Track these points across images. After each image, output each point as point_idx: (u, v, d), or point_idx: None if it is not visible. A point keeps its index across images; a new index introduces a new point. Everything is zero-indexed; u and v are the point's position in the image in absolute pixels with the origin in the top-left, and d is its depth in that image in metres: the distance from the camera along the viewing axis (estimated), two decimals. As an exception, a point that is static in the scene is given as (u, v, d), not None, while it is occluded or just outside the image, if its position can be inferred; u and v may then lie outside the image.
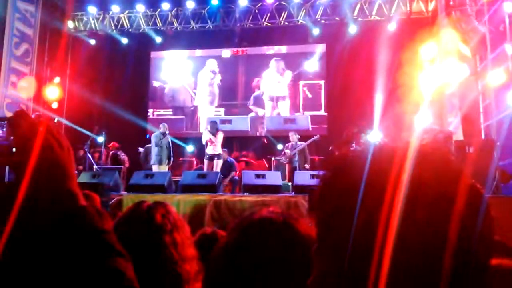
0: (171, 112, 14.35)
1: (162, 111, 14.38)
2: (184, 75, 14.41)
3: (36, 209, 0.76)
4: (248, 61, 14.14)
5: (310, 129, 12.79)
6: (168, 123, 10.95)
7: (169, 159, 10.02)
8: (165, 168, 9.80)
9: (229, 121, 13.47)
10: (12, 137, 0.79)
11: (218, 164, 9.62)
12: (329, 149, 8.62)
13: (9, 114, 10.84)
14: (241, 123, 13.49)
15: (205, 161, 9.83)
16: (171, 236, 1.49)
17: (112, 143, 11.33)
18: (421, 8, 12.13)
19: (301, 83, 13.69)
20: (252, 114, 13.82)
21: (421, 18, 12.04)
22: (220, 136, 9.77)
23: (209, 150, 9.72)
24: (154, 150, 9.87)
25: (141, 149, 11.15)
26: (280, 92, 13.73)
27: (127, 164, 11.19)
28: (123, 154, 11.51)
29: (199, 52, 14.41)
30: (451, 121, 9.54)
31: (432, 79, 9.31)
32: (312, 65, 13.60)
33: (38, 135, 0.77)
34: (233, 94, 14.14)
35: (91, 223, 0.77)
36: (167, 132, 10.18)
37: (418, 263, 0.51)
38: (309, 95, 13.60)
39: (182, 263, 1.46)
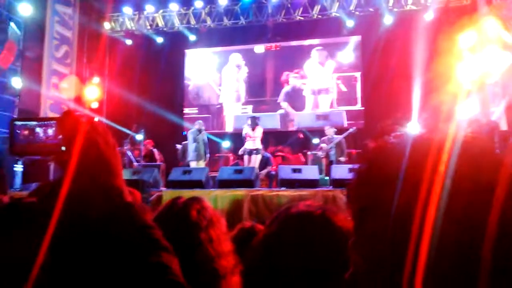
0: (196, 111, 14.12)
1: (187, 110, 14.19)
2: (209, 72, 14.23)
3: (83, 206, 0.79)
4: (277, 55, 13.76)
5: (346, 125, 12.23)
6: (193, 122, 10.96)
7: (205, 155, 10.14)
8: (202, 164, 9.91)
9: (258, 119, 13.35)
10: (60, 136, 0.83)
11: (256, 159, 9.68)
12: (365, 142, 8.47)
13: (52, 115, 11.25)
14: (270, 121, 12.96)
15: (245, 156, 9.90)
16: (206, 233, 1.51)
17: (147, 141, 11.56)
18: (460, -5, 11.73)
19: (335, 76, 13.31)
20: (281, 111, 13.51)
21: (459, 6, 11.65)
22: (259, 131, 9.82)
23: (248, 145, 9.82)
24: (192, 147, 9.99)
25: (179, 146, 11.32)
26: (323, 84, 13.32)
27: (159, 162, 11.38)
28: (157, 151, 11.72)
29: (225, 48, 14.13)
30: (494, 111, 9.22)
31: (472, 69, 9.01)
32: (346, 57, 13.27)
33: (83, 133, 0.80)
34: (262, 90, 13.81)
35: (137, 219, 0.80)
36: (203, 128, 10.29)
37: (456, 256, 0.50)
38: (344, 89, 13.21)
39: (218, 259, 1.47)
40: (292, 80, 13.57)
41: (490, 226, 0.49)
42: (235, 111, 13.88)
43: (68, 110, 0.87)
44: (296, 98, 13.50)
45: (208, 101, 14.19)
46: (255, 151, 9.72)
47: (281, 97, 13.58)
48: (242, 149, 10.09)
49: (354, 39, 13.18)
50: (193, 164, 9.80)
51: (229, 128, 13.68)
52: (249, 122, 10.02)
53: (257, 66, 13.84)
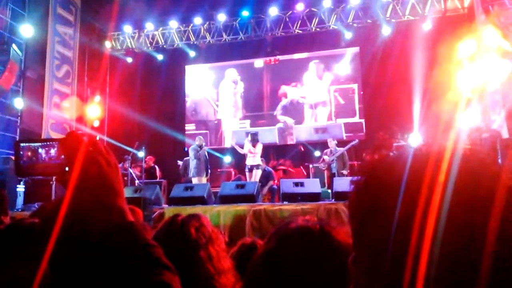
0: (194, 127, 14.17)
1: (185, 126, 14.23)
2: (206, 87, 14.29)
3: (83, 225, 0.79)
4: (274, 69, 13.84)
5: (344, 138, 12.30)
6: (192, 138, 10.97)
7: (206, 171, 10.15)
8: (204, 180, 9.91)
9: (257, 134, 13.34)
10: (63, 156, 0.84)
11: (257, 174, 9.70)
12: (363, 155, 8.50)
13: (53, 134, 11.30)
14: (268, 135, 13.05)
15: (246, 173, 9.90)
16: (205, 251, 1.50)
17: (148, 157, 11.58)
18: (456, 4, 11.83)
19: (332, 88, 13.36)
20: (280, 125, 13.53)
21: (457, 15, 11.75)
22: (259, 147, 9.86)
23: (249, 161, 9.83)
24: (193, 163, 10.01)
25: (180, 162, 11.33)
26: (320, 98, 13.41)
27: (159, 178, 11.39)
28: (158, 168, 11.73)
29: (221, 63, 14.23)
30: (495, 119, 9.22)
31: (472, 77, 9.03)
32: (343, 69, 13.34)
33: (85, 153, 0.81)
34: (259, 105, 13.83)
35: (138, 238, 0.80)
36: (204, 144, 10.31)
37: (456, 268, 0.50)
38: (341, 101, 13.25)
39: (218, 277, 1.46)
40: (289, 93, 13.62)
41: (489, 239, 0.49)
42: (233, 126, 13.90)
43: (71, 131, 0.89)
44: (293, 111, 13.53)
45: (205, 117, 14.25)
46: (255, 167, 9.74)
47: (278, 111, 13.62)
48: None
49: (351, 51, 13.27)
50: (195, 180, 9.80)
51: (227, 143, 13.67)
52: (249, 138, 10.04)
53: (254, 81, 13.91)
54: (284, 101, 13.64)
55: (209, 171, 10.34)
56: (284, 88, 13.68)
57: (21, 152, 0.86)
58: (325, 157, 10.17)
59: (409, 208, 0.53)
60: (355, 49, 13.22)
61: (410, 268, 0.50)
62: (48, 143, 0.87)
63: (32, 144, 0.86)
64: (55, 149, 0.86)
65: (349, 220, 0.64)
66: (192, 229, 1.53)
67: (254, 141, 9.90)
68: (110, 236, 0.78)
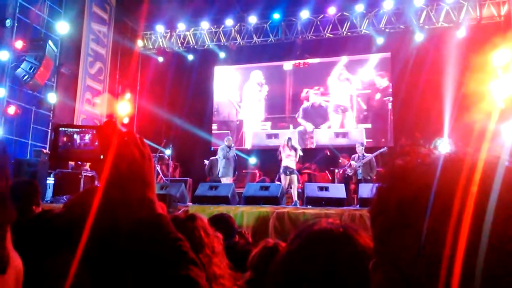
0: (215, 127, 14.22)
1: (212, 126, 14.28)
2: (230, 89, 14.33)
3: (115, 216, 0.81)
4: (299, 72, 13.75)
5: (365, 143, 11.90)
6: (215, 138, 10.90)
7: (235, 171, 10.14)
8: (231, 180, 9.90)
9: (276, 136, 13.23)
10: (97, 144, 0.85)
11: (293, 179, 9.49)
12: (386, 162, 8.28)
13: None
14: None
15: (282, 175, 9.56)
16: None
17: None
18: (493, 12, 11.54)
19: (358, 93, 13.22)
20: (300, 128, 13.46)
21: (492, 23, 11.46)
22: (299, 151, 9.69)
23: (291, 164, 9.55)
24: (221, 163, 10.01)
25: (206, 162, 11.42)
26: (344, 102, 13.30)
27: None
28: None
29: (247, 65, 14.22)
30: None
31: (506, 87, 8.80)
32: (373, 74, 13.17)
33: (121, 143, 0.82)
34: (281, 107, 13.79)
35: (167, 230, 0.80)
36: (233, 145, 10.32)
37: (493, 285, 0.48)
38: (364, 106, 13.10)
39: (207, 285, 1.43)
40: (312, 97, 13.54)
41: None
42: (254, 127, 13.90)
43: (109, 120, 0.90)
44: (315, 115, 13.43)
45: (227, 117, 14.30)
46: (293, 171, 9.54)
47: (300, 114, 13.58)
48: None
49: (382, 56, 13.07)
50: (223, 180, 9.81)
51: (248, 144, 13.69)
52: (289, 142, 9.74)
53: (279, 83, 13.85)
54: (305, 104, 13.58)
55: (236, 171, 10.33)
56: (306, 91, 13.59)
57: (59, 137, 0.88)
58: (353, 162, 10.06)
59: (440, 218, 0.51)
60: (386, 55, 13.04)
61: (443, 281, 0.49)
62: (83, 129, 0.88)
63: (69, 130, 0.88)
64: (89, 135, 0.87)
65: (371, 224, 0.63)
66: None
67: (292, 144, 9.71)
68: (139, 228, 0.79)
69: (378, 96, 13.10)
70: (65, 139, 0.88)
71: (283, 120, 13.75)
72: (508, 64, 9.06)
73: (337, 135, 12.97)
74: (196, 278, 0.78)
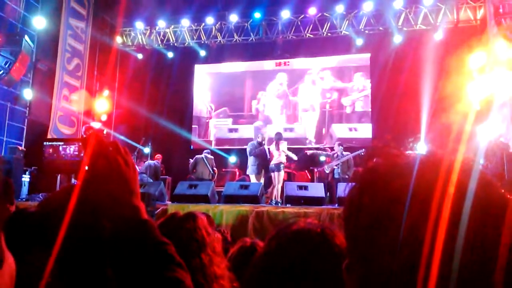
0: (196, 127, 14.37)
1: (192, 124, 14.36)
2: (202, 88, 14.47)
3: (97, 219, 0.82)
4: (254, 74, 14.09)
5: (314, 141, 12.59)
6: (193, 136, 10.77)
7: (265, 169, 9.72)
8: (260, 178, 9.60)
9: (236, 130, 13.71)
10: (81, 154, 0.88)
11: (280, 175, 9.42)
12: (359, 163, 8.40)
13: (61, 126, 11.35)
14: (247, 132, 13.56)
15: (272, 173, 9.48)
16: (197, 259, 1.47)
17: (156, 155, 11.53)
18: (469, 16, 11.79)
19: (329, 93, 13.42)
20: (259, 123, 13.78)
21: (469, 26, 11.71)
22: (284, 145, 9.57)
23: (283, 159, 9.51)
24: (250, 160, 9.75)
25: (191, 160, 11.31)
26: (313, 102, 13.54)
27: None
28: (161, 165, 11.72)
29: (230, 63, 14.30)
30: (503, 132, 9.15)
31: (481, 89, 8.99)
32: (352, 75, 13.31)
33: (106, 154, 0.85)
34: (241, 106, 14.12)
35: (153, 235, 0.83)
36: (264, 142, 9.93)
37: (467, 282, 0.49)
38: (353, 107, 13.31)
39: (208, 285, 1.43)
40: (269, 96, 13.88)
41: (502, 251, 0.48)
42: (216, 123, 14.17)
43: (94, 132, 0.93)
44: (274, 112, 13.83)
45: (199, 113, 14.41)
46: (280, 166, 9.48)
47: (259, 109, 13.96)
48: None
49: (359, 57, 13.20)
50: (253, 178, 9.57)
51: (211, 137, 14.05)
52: (277, 137, 9.69)
53: (236, 83, 14.12)
54: (260, 105, 13.93)
55: (263, 171, 9.77)
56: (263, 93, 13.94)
57: (44, 150, 0.89)
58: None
59: (419, 220, 0.51)
60: (366, 56, 13.18)
61: (421, 280, 0.49)
62: (69, 142, 0.89)
63: (55, 143, 0.89)
64: (74, 146, 0.89)
65: (343, 225, 0.63)
66: (183, 235, 1.49)
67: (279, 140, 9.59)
68: (123, 232, 0.81)
69: (356, 96, 13.22)
70: (51, 150, 0.89)
71: (242, 117, 14.07)
72: (483, 66, 9.25)
73: (285, 130, 12.90)
74: (182, 279, 0.80)
